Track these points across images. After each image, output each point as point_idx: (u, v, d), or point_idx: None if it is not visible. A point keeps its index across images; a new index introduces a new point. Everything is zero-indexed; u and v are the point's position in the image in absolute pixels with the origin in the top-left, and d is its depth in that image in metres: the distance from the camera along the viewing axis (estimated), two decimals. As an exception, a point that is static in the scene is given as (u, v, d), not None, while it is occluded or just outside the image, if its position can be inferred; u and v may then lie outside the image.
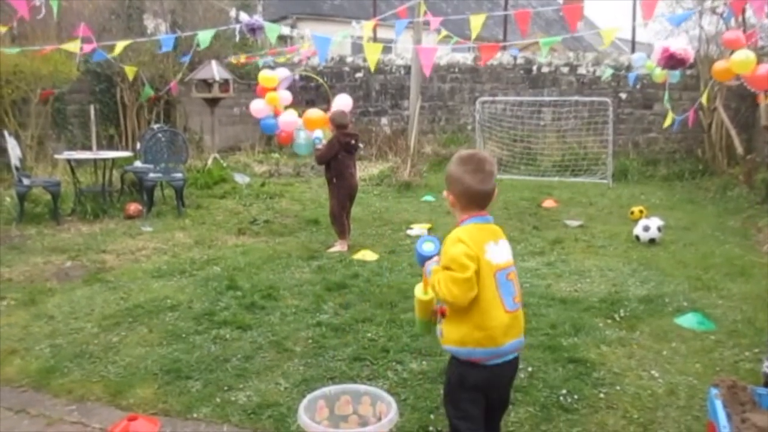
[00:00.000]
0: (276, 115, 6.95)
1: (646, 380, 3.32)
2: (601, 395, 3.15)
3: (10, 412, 3.15)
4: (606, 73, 11.03)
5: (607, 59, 13.21)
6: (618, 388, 3.23)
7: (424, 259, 2.50)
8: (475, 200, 2.40)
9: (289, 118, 6.60)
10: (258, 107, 6.99)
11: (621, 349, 3.71)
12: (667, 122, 8.11)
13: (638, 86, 12.48)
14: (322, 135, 6.14)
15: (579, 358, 3.52)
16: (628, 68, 12.33)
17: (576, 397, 3.12)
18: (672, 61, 5.57)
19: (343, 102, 6.87)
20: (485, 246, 2.31)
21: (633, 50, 13.51)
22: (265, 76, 6.82)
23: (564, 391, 3.16)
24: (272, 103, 6.82)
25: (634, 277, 5.15)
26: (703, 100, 7.34)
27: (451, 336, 2.32)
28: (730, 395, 2.52)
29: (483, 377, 2.30)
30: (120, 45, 5.83)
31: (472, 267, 2.21)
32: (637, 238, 6.36)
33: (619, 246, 6.23)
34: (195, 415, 3.04)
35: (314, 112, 6.61)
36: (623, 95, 13.15)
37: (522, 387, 3.19)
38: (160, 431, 2.92)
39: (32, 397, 3.30)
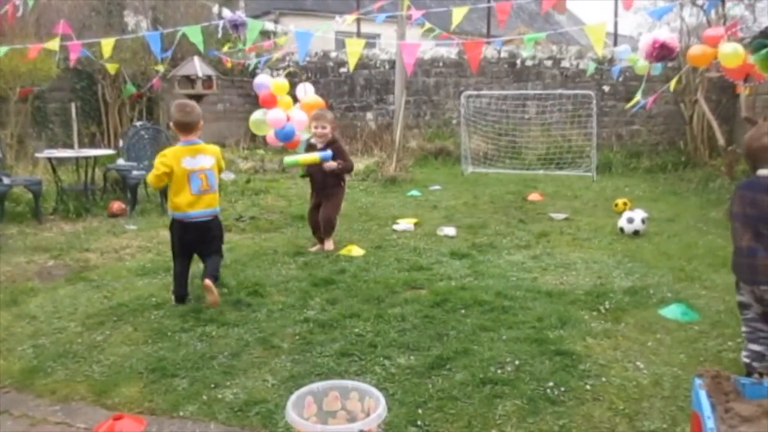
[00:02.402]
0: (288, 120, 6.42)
1: (631, 371, 3.34)
2: (588, 387, 3.17)
3: (-7, 413, 3.12)
4: (590, 66, 11.10)
5: (590, 52, 13.28)
6: (604, 379, 3.25)
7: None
8: (180, 126, 4.32)
9: (301, 117, 6.29)
10: (277, 117, 6.26)
11: (606, 341, 3.73)
12: (630, 104, 8.23)
13: (621, 79, 12.56)
14: (307, 137, 6.01)
15: (565, 351, 3.53)
16: (611, 61, 12.41)
17: (563, 389, 3.13)
18: (663, 51, 5.58)
19: (312, 93, 6.60)
20: (182, 158, 4.27)
21: (615, 43, 13.59)
22: (278, 84, 6.33)
23: (551, 384, 3.18)
24: (287, 108, 6.39)
25: (619, 269, 5.18)
26: (671, 86, 7.41)
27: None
28: (714, 385, 2.54)
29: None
30: (106, 44, 5.74)
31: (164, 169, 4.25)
32: (622, 230, 6.40)
33: (604, 238, 6.27)
34: (181, 414, 3.02)
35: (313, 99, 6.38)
36: (606, 88, 13.24)
37: (509, 380, 3.20)
38: (146, 430, 2.90)
39: (15, 397, 3.26)
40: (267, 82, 6.34)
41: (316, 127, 5.71)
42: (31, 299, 4.56)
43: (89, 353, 3.65)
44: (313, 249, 5.80)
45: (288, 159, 5.63)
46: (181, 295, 4.39)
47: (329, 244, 5.78)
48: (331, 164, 5.59)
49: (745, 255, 3.10)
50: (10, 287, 4.80)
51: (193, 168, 4.27)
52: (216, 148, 4.52)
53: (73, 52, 6.23)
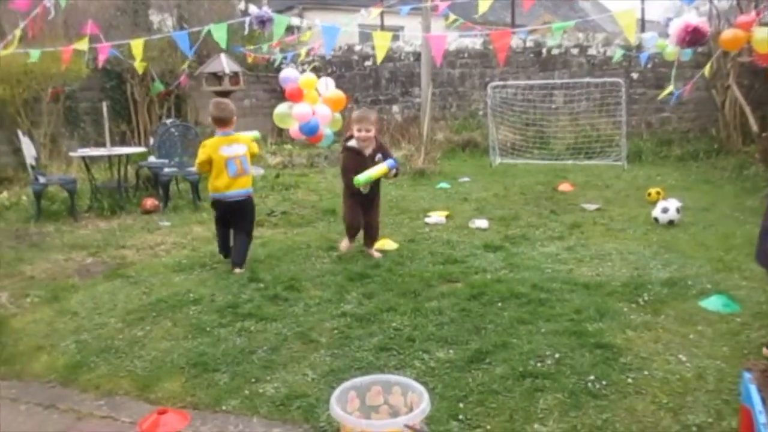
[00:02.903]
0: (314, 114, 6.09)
1: (673, 365, 3.30)
2: (629, 380, 3.13)
3: (39, 407, 3.18)
4: (617, 54, 10.93)
5: (617, 39, 13.07)
6: (646, 372, 3.21)
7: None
8: (217, 121, 5.05)
9: (325, 112, 5.96)
10: (304, 111, 6.00)
11: (647, 333, 3.68)
12: (664, 94, 8.06)
13: (650, 66, 12.35)
14: (330, 132, 5.87)
15: (605, 344, 3.50)
16: (639, 48, 12.21)
17: (604, 382, 3.11)
18: (696, 35, 5.46)
19: (333, 87, 6.26)
20: (219, 147, 4.98)
21: (643, 29, 13.36)
22: (306, 79, 6.01)
23: (592, 377, 3.15)
24: (314, 103, 6.06)
25: (656, 260, 5.11)
26: (706, 72, 7.25)
27: None
28: (764, 379, 2.50)
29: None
30: (136, 45, 5.79)
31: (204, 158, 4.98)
32: (656, 220, 6.31)
33: (639, 229, 6.19)
34: (224, 408, 3.06)
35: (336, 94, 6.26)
36: (635, 75, 13.01)
37: (549, 374, 3.19)
38: (190, 425, 2.94)
39: (60, 392, 3.33)
40: (294, 76, 6.28)
41: (359, 131, 5.14)
42: (71, 296, 4.64)
43: (131, 348, 3.71)
44: (343, 248, 5.49)
45: (360, 178, 4.95)
46: (225, 252, 5.26)
47: (376, 253, 5.42)
48: (392, 173, 5.21)
49: None
50: (51, 284, 4.89)
51: (230, 155, 5.02)
52: (247, 138, 5.29)
53: (102, 53, 6.30)
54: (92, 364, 3.55)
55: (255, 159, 5.66)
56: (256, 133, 5.88)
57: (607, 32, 14.65)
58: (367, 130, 5.14)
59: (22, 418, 3.09)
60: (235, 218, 5.14)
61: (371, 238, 5.46)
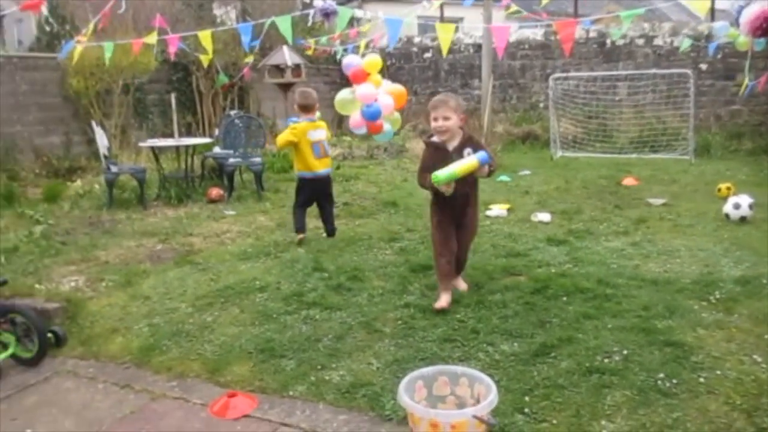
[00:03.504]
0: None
1: (748, 365, 3.19)
2: (701, 380, 3.05)
3: (116, 386, 3.33)
4: (684, 43, 10.58)
5: (685, 29, 12.66)
6: (718, 372, 3.12)
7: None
8: (302, 108, 5.63)
9: (387, 101, 5.79)
10: (367, 91, 5.74)
11: (719, 332, 3.57)
12: (742, 89, 7.75)
13: (719, 56, 11.91)
14: (389, 127, 5.76)
15: (675, 341, 3.41)
16: (708, 37, 11.77)
17: (674, 381, 3.03)
18: None
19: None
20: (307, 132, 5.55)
21: (713, 18, 12.87)
22: (371, 61, 5.84)
23: (661, 375, 3.08)
24: (378, 86, 5.90)
25: (727, 257, 4.94)
26: None
27: None
28: None
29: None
30: (204, 37, 5.95)
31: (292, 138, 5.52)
32: (727, 216, 6.10)
33: (708, 225, 5.99)
34: (291, 393, 3.13)
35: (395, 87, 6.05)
36: (703, 66, 12.56)
37: (617, 370, 3.13)
38: (258, 408, 3.02)
39: (135, 373, 3.48)
40: (357, 60, 6.21)
41: (435, 119, 3.99)
42: (143, 281, 4.82)
43: (200, 333, 3.84)
44: (444, 303, 4.01)
45: (441, 174, 3.78)
46: (302, 230, 5.75)
47: (464, 284, 4.35)
48: (485, 170, 3.96)
49: None
50: (124, 269, 5.08)
51: (315, 139, 5.61)
52: (324, 124, 5.84)
53: (172, 44, 6.48)
54: (164, 347, 3.69)
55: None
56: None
57: (674, 21, 14.19)
58: (445, 118, 3.97)
59: (100, 396, 3.25)
60: (320, 194, 5.80)
61: (459, 263, 4.29)
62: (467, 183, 4.03)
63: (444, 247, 4.11)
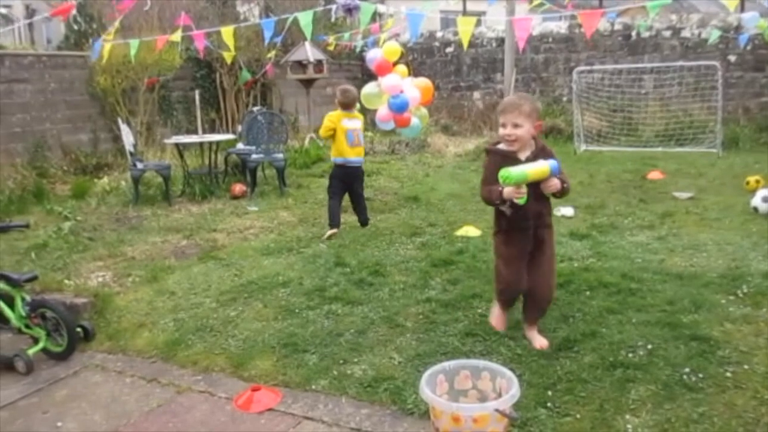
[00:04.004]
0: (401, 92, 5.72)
1: (776, 360, 3.15)
2: (728, 374, 3.01)
3: (143, 380, 3.39)
4: (713, 35, 10.38)
5: (713, 20, 12.43)
6: (746, 367, 3.08)
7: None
8: (343, 105, 5.89)
9: (413, 93, 5.63)
10: (393, 81, 5.57)
11: (747, 326, 3.52)
12: None
13: (749, 47, 11.69)
14: (417, 122, 5.66)
15: (701, 336, 3.37)
16: (737, 29, 11.55)
17: (700, 375, 3.00)
18: None
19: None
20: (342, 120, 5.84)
21: (742, 9, 12.62)
22: (390, 48, 5.68)
23: (687, 370, 3.05)
24: (403, 76, 5.76)
25: (756, 251, 4.86)
26: None
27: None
28: None
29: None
30: (226, 33, 6.00)
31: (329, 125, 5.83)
32: (755, 209, 5.99)
33: (736, 218, 5.90)
34: (314, 387, 3.15)
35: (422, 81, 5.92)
36: (732, 58, 12.34)
37: (641, 364, 3.11)
38: (281, 402, 3.05)
39: (161, 367, 3.53)
40: (380, 53, 6.13)
41: (503, 126, 3.32)
42: (169, 276, 4.88)
43: (225, 328, 3.88)
44: (494, 322, 3.65)
45: (512, 171, 3.09)
46: (336, 225, 5.84)
47: (542, 339, 3.43)
48: (556, 182, 3.23)
49: None
50: (150, 265, 5.15)
51: (350, 127, 5.86)
52: (361, 116, 6.10)
53: (198, 41, 6.55)
54: (189, 341, 3.74)
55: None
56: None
57: (702, 13, 13.95)
58: (515, 126, 3.27)
59: (128, 390, 3.30)
60: (352, 180, 6.01)
61: (536, 308, 3.52)
62: (540, 199, 3.32)
63: (509, 287, 3.49)
